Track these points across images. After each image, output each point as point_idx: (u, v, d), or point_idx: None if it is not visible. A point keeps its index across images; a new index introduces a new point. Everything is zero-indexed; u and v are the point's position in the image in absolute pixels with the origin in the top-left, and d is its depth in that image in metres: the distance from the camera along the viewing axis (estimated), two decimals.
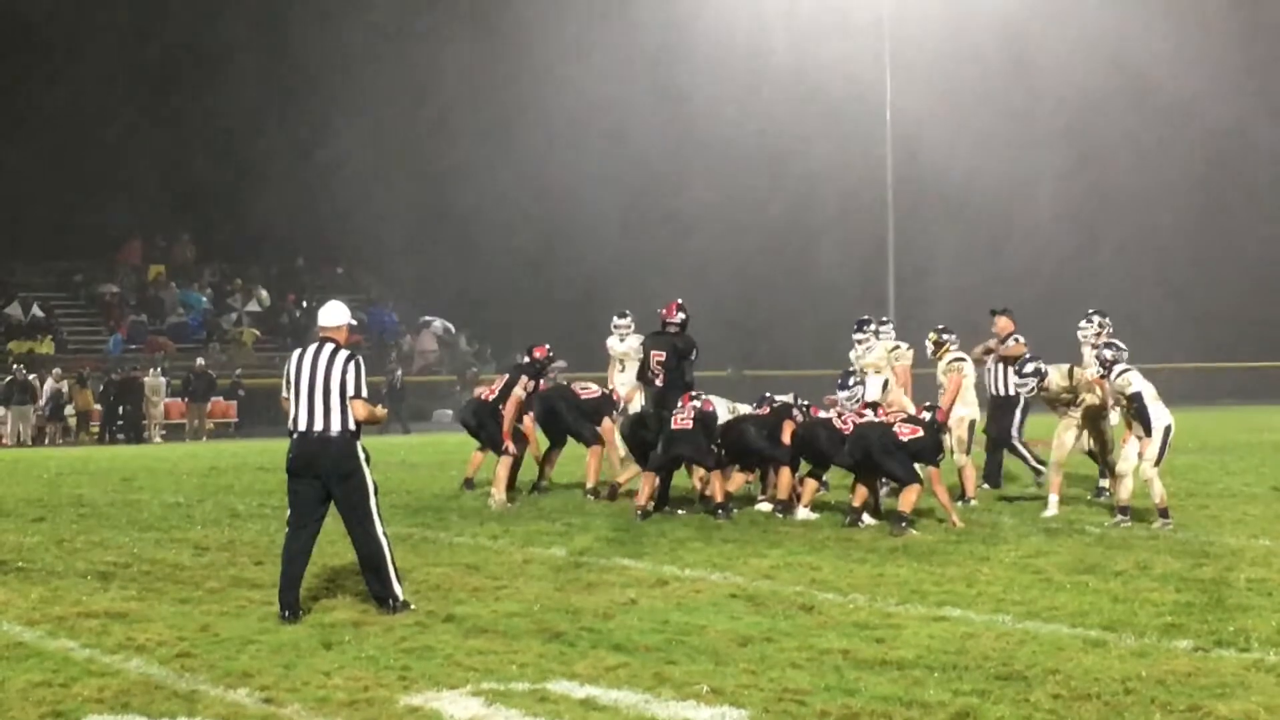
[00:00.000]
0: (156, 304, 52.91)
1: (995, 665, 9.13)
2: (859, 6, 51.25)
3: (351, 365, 11.32)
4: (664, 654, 9.56)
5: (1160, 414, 15.55)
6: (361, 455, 11.45)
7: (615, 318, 21.58)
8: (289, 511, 11.56)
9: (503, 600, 11.58)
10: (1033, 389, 16.93)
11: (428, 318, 54.42)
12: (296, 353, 11.64)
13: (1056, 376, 16.71)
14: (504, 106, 53.90)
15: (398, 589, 11.26)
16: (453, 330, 54.62)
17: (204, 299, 54.47)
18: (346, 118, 52.93)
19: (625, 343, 21.10)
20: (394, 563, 11.38)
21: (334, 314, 11.75)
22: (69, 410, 42.38)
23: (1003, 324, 19.25)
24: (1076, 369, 16.93)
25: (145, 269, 55.24)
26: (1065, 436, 16.83)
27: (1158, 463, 15.57)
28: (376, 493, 11.52)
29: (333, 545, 14.67)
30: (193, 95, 53.11)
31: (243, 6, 53.55)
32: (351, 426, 11.31)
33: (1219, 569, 12.70)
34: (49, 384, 41.95)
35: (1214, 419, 38.27)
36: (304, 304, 55.38)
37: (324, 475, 11.27)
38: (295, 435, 11.36)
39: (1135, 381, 15.73)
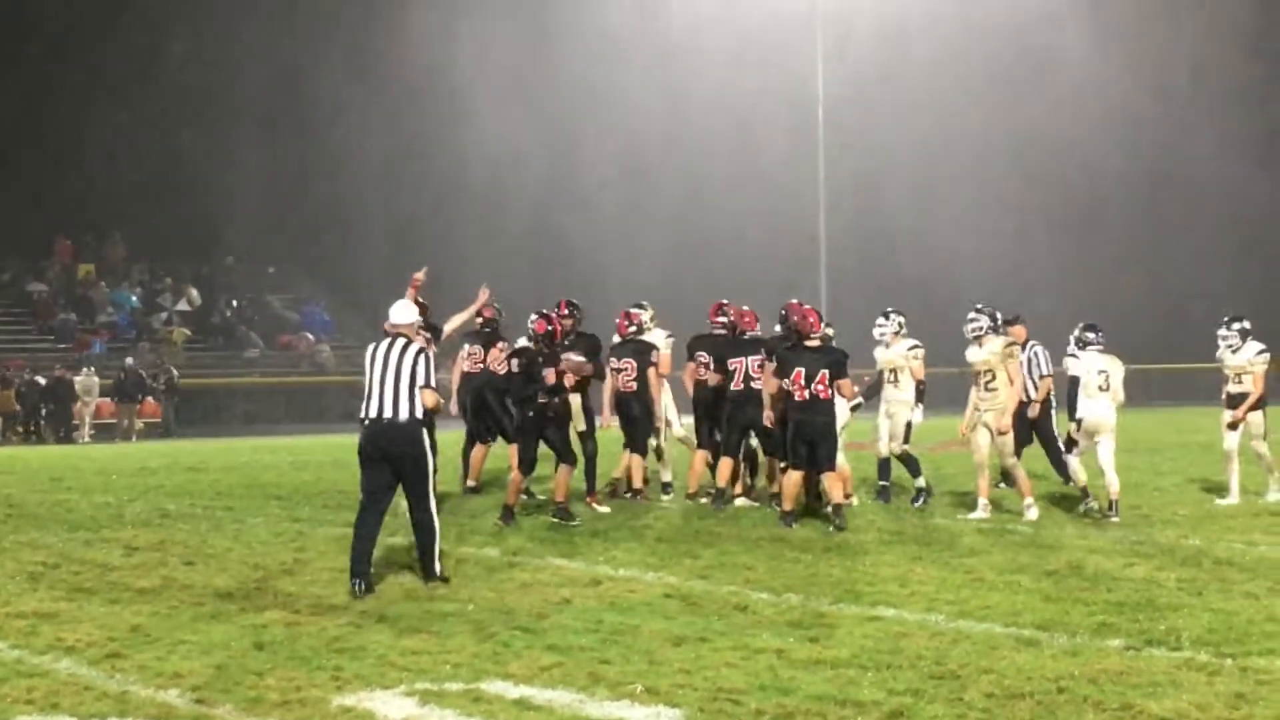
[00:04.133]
0: (86, 303, 52.54)
1: (929, 664, 9.15)
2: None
3: (422, 357, 12.45)
4: (598, 654, 9.54)
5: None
6: (427, 441, 12.50)
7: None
8: (361, 494, 12.54)
9: (436, 600, 11.55)
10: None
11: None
12: (370, 347, 12.74)
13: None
14: (433, 100, 53.82)
15: (438, 568, 12.39)
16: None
17: (134, 298, 54.12)
18: (276, 117, 52.76)
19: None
20: (440, 543, 12.48)
21: (404, 312, 12.90)
22: None
23: (1017, 331, 18.57)
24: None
25: (75, 268, 54.83)
26: (979, 438, 16.85)
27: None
28: (436, 473, 12.81)
29: (264, 545, 14.65)
30: (124, 93, 52.69)
31: (178, 5, 53.30)
32: (419, 414, 12.37)
33: (1150, 568, 12.78)
34: None
35: (1144, 420, 38.52)
36: (233, 303, 55.12)
37: (394, 459, 12.33)
38: (367, 422, 12.41)
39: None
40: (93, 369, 43.78)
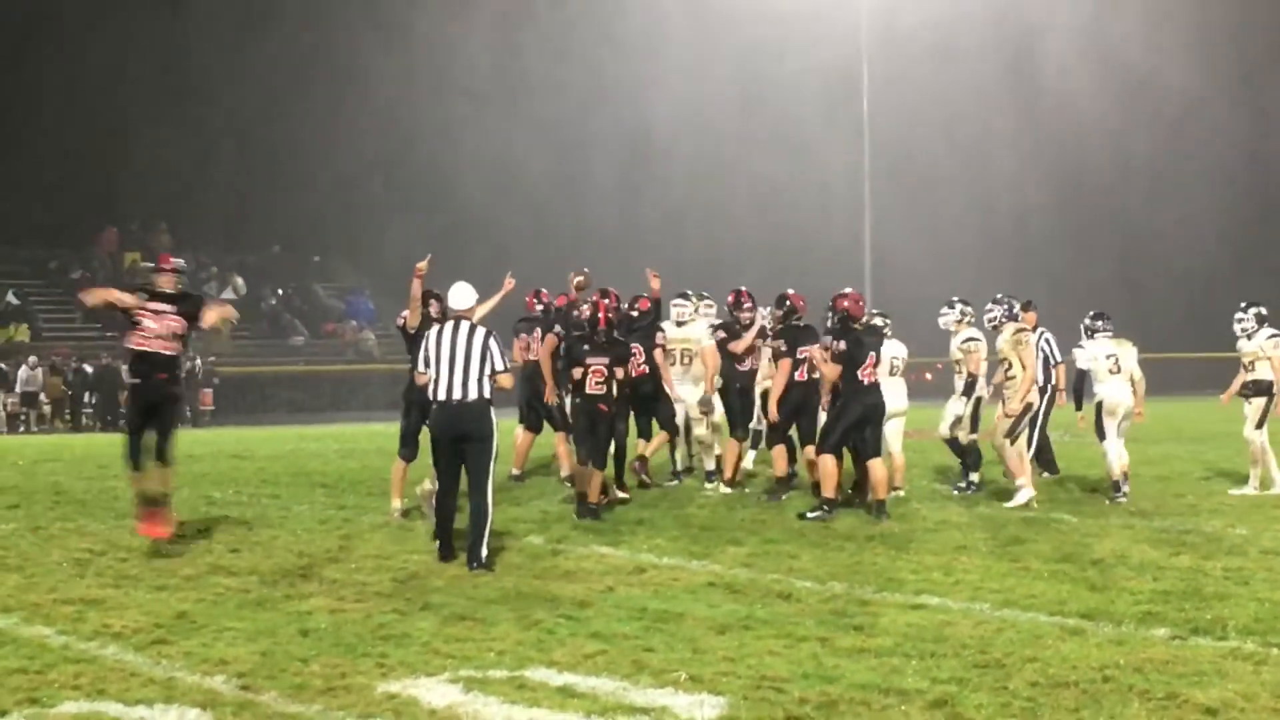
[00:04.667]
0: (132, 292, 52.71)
1: (973, 653, 9.13)
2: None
3: (493, 340, 12.92)
4: (642, 641, 9.54)
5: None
6: (494, 424, 12.84)
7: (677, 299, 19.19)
8: (437, 474, 13.09)
9: (480, 588, 11.56)
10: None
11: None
12: (434, 330, 13.10)
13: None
14: (492, 93, 53.90)
15: (484, 554, 12.55)
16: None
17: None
18: (322, 108, 52.89)
19: (686, 329, 19.03)
20: (491, 528, 12.73)
21: (464, 296, 13.19)
22: (43, 398, 42.28)
23: (1029, 318, 18.64)
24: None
25: (121, 256, 55.06)
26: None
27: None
28: (496, 459, 12.94)
29: (309, 533, 14.69)
30: (193, 88, 52.90)
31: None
32: (488, 394, 12.79)
33: (1196, 557, 12.73)
34: (23, 371, 41.83)
35: (1188, 409, 38.33)
36: (279, 291, 55.28)
37: (462, 438, 12.74)
38: (437, 404, 12.82)
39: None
40: None
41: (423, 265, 15.39)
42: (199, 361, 44.13)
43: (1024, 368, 16.67)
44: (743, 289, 17.99)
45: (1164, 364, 45.04)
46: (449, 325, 13.00)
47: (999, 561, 12.63)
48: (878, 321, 17.40)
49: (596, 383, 15.80)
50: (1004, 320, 17.21)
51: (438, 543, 13.03)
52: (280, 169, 52.90)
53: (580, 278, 18.74)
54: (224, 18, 53.49)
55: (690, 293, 19.26)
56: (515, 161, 52.30)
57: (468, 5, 53.33)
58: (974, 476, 18.00)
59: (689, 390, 18.42)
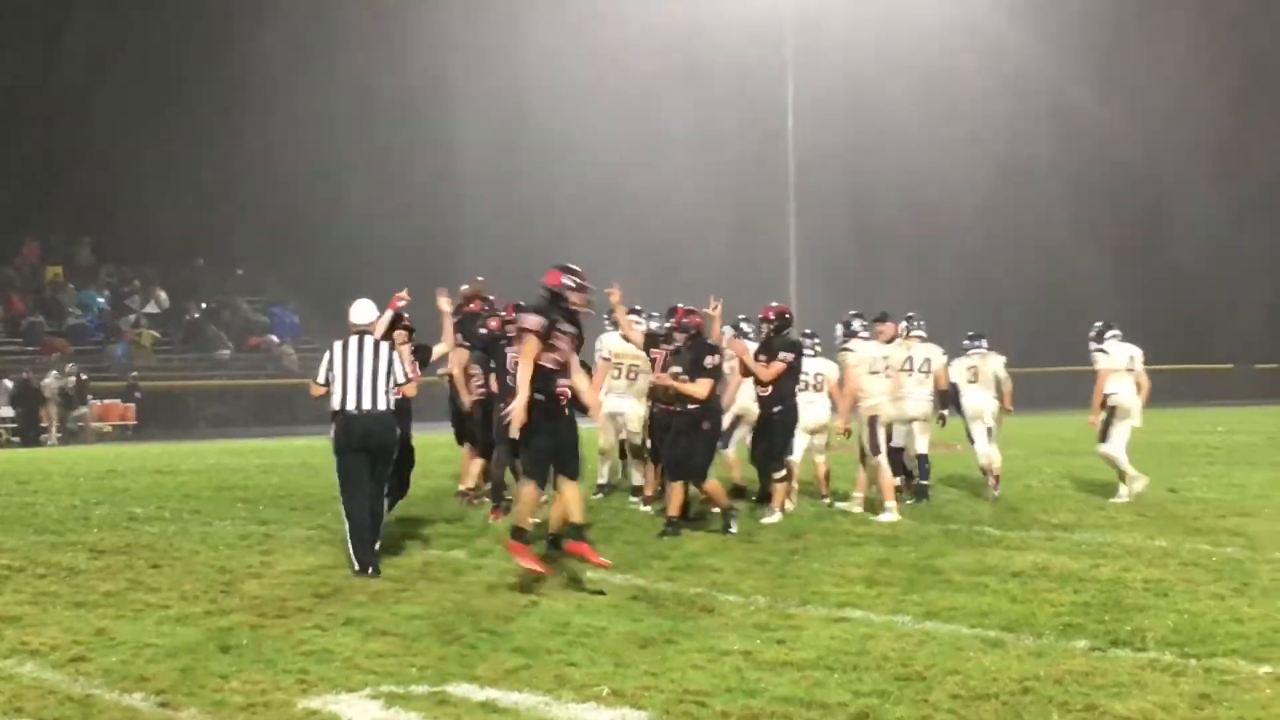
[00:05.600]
0: (54, 305, 52.36)
1: (895, 666, 9.16)
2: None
3: (395, 354, 13.63)
4: (565, 656, 9.53)
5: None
6: (397, 431, 13.62)
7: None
8: (344, 484, 13.40)
9: (403, 603, 11.52)
10: None
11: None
12: (338, 346, 13.51)
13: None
14: (403, 105, 53.78)
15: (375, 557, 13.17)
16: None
17: (101, 300, 53.94)
18: (246, 118, 52.62)
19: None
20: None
21: (366, 312, 13.78)
22: None
23: (886, 329, 18.56)
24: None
25: (43, 270, 54.64)
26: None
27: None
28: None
29: (230, 549, 14.61)
30: (91, 98, 52.53)
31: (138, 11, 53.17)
32: (393, 406, 13.38)
33: (1116, 569, 12.81)
34: None
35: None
36: (202, 305, 54.94)
37: (370, 448, 13.26)
38: (343, 415, 13.27)
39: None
40: (62, 371, 43.59)
41: (402, 295, 15.62)
42: (72, 380, 43.63)
43: (841, 385, 17.61)
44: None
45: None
46: (353, 340, 13.46)
47: (921, 574, 12.69)
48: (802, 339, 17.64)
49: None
50: (844, 337, 17.95)
51: (355, 555, 13.10)
52: (204, 182, 52.60)
53: (466, 287, 18.46)
54: (149, 30, 53.18)
55: (640, 308, 19.00)
56: (436, 174, 52.24)
57: (391, 24, 53.28)
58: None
59: (631, 405, 18.30)
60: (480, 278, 17.71)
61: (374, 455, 13.32)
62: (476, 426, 17.92)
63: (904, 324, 18.71)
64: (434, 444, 20.20)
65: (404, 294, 15.57)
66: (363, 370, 13.27)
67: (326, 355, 13.57)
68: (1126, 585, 12.03)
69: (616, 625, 10.53)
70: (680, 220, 55.08)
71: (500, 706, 8.30)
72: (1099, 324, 19.28)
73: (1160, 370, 56.87)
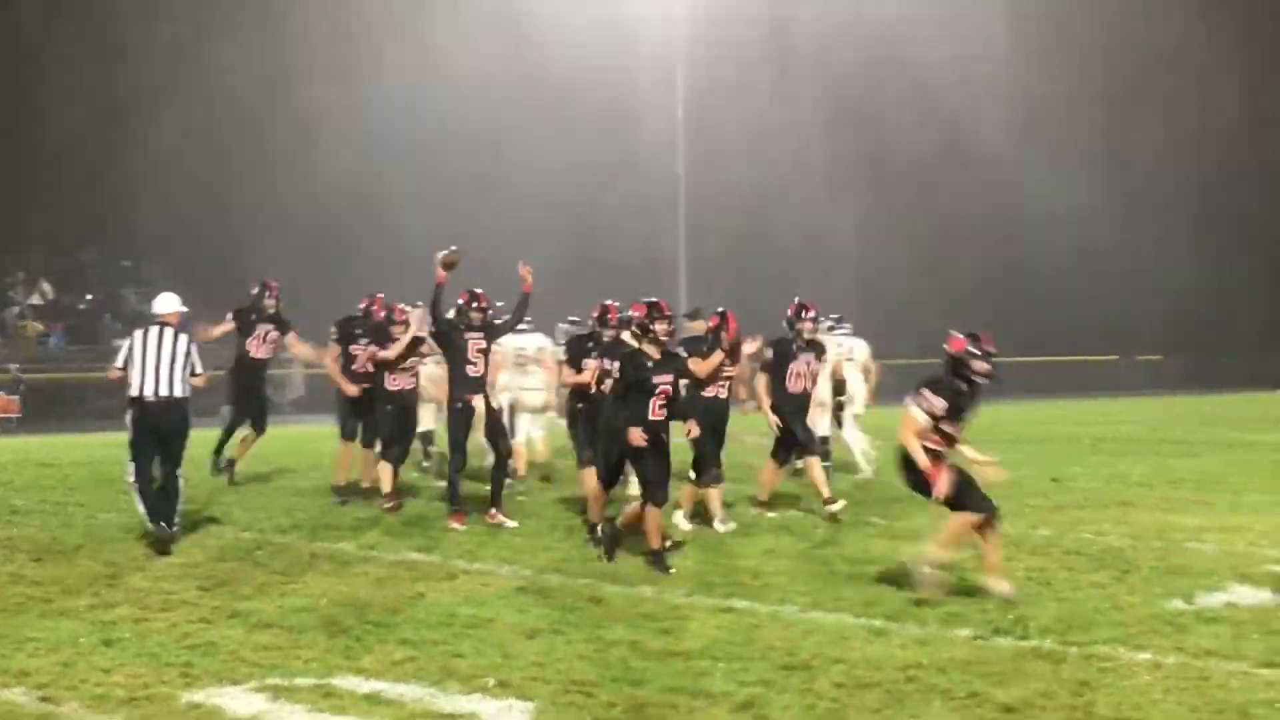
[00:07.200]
0: None
1: (780, 655, 9.23)
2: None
3: (194, 346, 14.44)
4: (451, 647, 9.53)
5: None
6: (190, 416, 14.34)
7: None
8: (135, 457, 14.22)
9: (289, 596, 11.47)
10: None
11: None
12: (138, 334, 14.44)
13: None
14: (295, 102, 53.36)
15: (178, 525, 14.18)
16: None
17: None
18: (131, 109, 52.04)
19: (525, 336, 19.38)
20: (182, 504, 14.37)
21: (168, 303, 14.66)
22: None
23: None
24: None
25: None
26: None
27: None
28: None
29: (115, 541, 14.47)
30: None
31: None
32: (188, 393, 14.23)
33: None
34: None
35: (995, 413, 38.99)
36: (89, 296, 54.30)
37: (164, 432, 14.12)
38: (140, 401, 14.09)
39: None
40: None
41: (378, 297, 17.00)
42: None
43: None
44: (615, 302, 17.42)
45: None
46: (153, 330, 14.44)
47: (807, 564, 12.78)
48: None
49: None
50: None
51: (145, 513, 14.10)
52: (88, 170, 51.90)
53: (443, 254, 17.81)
54: (32, 17, 52.48)
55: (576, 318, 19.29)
56: (330, 165, 51.83)
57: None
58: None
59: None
60: (454, 247, 16.71)
61: (165, 437, 14.15)
62: (362, 417, 17.81)
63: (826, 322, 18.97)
64: (323, 436, 20.06)
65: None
66: (160, 359, 14.16)
67: (127, 342, 14.53)
68: (1010, 574, 12.14)
69: (503, 616, 10.55)
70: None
71: (386, 698, 8.29)
72: (834, 316, 20.30)
73: (1043, 362, 58.21)
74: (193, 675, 8.87)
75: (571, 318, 19.87)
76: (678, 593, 11.47)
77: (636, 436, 12.69)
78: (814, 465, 16.51)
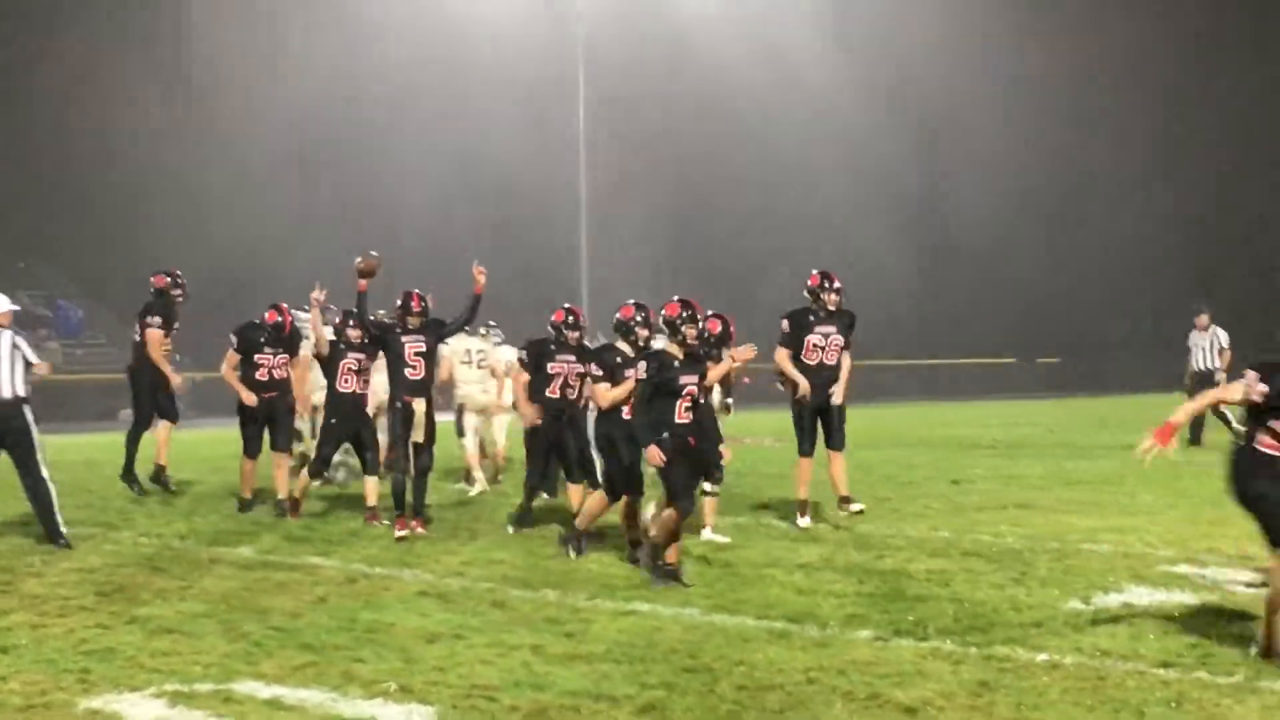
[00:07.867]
0: None
1: (682, 658, 9.25)
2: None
3: (23, 341, 14.23)
4: (352, 652, 9.49)
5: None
6: (30, 416, 14.09)
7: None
8: None
9: (188, 600, 11.39)
10: None
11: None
12: None
13: None
14: (191, 103, 52.97)
15: (63, 529, 14.14)
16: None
17: None
18: (23, 109, 51.52)
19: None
20: (59, 506, 14.22)
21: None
22: None
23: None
24: None
25: None
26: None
27: None
28: (43, 448, 14.24)
29: (9, 547, 14.31)
30: None
31: None
32: (21, 392, 14.01)
33: (900, 560, 13.04)
34: None
35: (897, 415, 39.27)
36: None
37: (4, 433, 13.98)
38: None
39: None
40: None
41: (318, 294, 15.87)
42: None
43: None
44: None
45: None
46: None
47: (709, 566, 12.80)
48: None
49: None
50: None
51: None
52: None
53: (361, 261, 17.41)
54: None
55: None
56: (220, 166, 51.48)
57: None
58: None
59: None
60: (374, 253, 16.29)
61: (7, 445, 14.10)
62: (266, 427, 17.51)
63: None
64: (221, 440, 19.91)
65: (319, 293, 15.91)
66: None
67: None
68: (909, 576, 12.25)
69: (404, 621, 10.51)
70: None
71: (286, 704, 8.24)
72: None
73: (943, 365, 58.69)
74: (90, 681, 8.78)
75: (490, 322, 19.86)
76: (580, 596, 11.48)
77: (655, 457, 12.07)
78: (836, 460, 15.95)
